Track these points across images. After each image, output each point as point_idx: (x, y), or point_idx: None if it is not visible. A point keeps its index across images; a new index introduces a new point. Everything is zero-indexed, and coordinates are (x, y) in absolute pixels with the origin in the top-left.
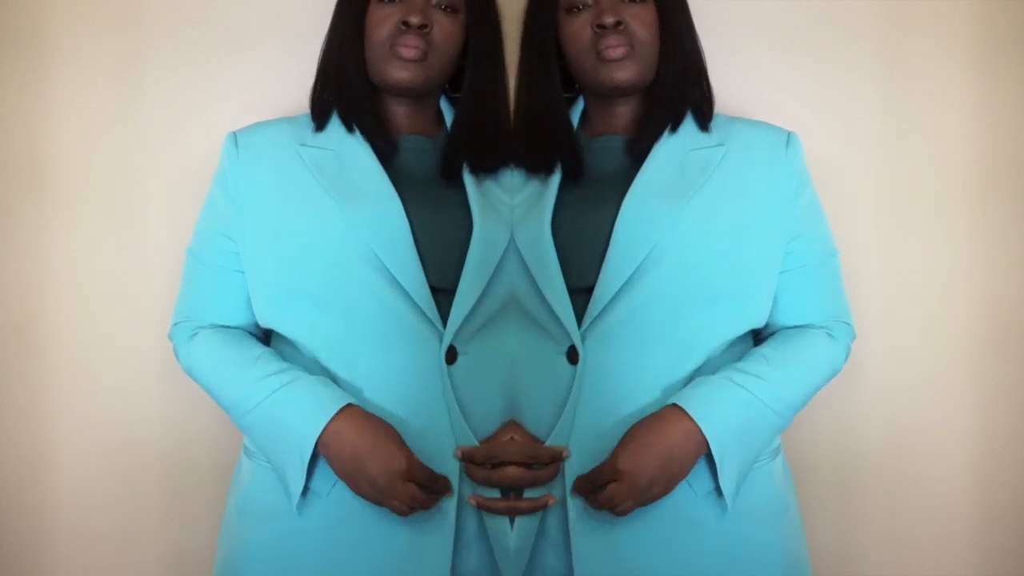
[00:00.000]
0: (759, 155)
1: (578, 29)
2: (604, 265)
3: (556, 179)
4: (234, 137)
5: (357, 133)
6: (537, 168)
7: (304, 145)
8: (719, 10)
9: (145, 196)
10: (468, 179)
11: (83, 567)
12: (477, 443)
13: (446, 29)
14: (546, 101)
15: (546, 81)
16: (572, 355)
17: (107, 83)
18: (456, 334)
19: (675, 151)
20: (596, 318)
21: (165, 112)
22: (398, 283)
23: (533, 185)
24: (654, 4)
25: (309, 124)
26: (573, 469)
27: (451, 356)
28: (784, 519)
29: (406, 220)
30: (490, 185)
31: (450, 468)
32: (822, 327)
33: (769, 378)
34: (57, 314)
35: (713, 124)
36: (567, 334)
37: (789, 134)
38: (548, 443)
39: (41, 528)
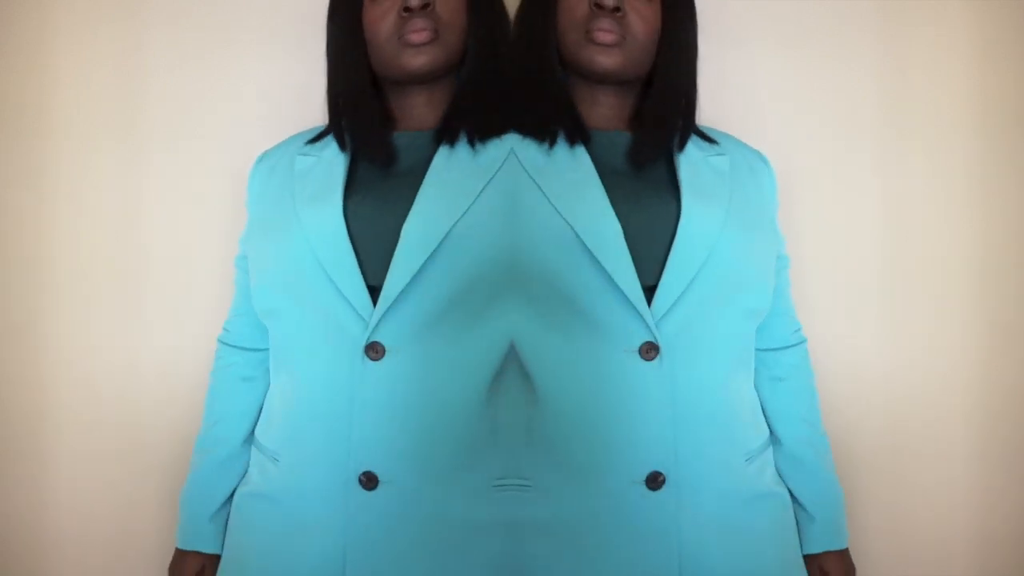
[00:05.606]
0: (752, 169)
1: (575, 2)
2: (668, 263)
3: (584, 155)
4: (260, 156)
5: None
6: (540, 133)
7: (300, 153)
8: (718, 7)
9: (145, 192)
10: (440, 153)
11: (83, 567)
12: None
13: (450, 2)
14: (544, 65)
15: (543, 44)
16: (647, 350)
17: (107, 80)
18: (380, 328)
19: (694, 155)
20: (663, 317)
21: (166, 108)
22: (334, 283)
23: (560, 156)
24: (661, 3)
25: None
26: (690, 466)
27: (376, 352)
28: (780, 509)
29: (342, 220)
30: (465, 160)
31: (341, 480)
32: (793, 350)
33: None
34: (57, 313)
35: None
36: (640, 328)
37: (759, 152)
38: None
39: (40, 528)
